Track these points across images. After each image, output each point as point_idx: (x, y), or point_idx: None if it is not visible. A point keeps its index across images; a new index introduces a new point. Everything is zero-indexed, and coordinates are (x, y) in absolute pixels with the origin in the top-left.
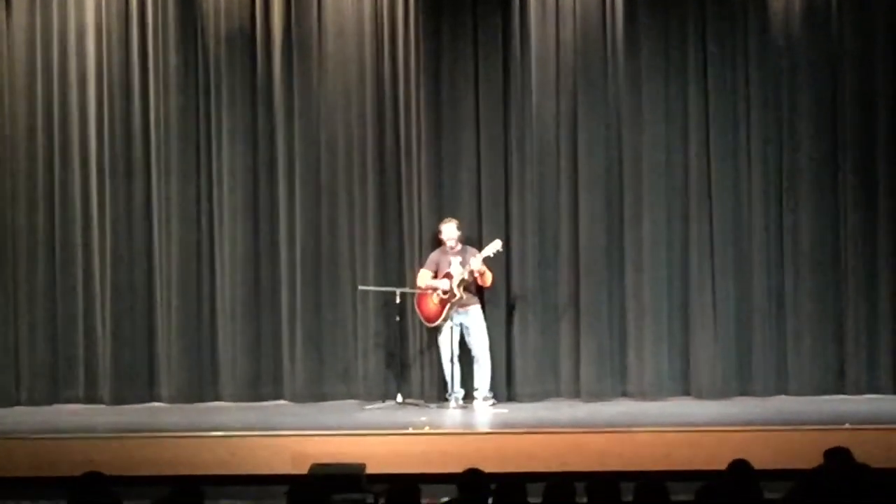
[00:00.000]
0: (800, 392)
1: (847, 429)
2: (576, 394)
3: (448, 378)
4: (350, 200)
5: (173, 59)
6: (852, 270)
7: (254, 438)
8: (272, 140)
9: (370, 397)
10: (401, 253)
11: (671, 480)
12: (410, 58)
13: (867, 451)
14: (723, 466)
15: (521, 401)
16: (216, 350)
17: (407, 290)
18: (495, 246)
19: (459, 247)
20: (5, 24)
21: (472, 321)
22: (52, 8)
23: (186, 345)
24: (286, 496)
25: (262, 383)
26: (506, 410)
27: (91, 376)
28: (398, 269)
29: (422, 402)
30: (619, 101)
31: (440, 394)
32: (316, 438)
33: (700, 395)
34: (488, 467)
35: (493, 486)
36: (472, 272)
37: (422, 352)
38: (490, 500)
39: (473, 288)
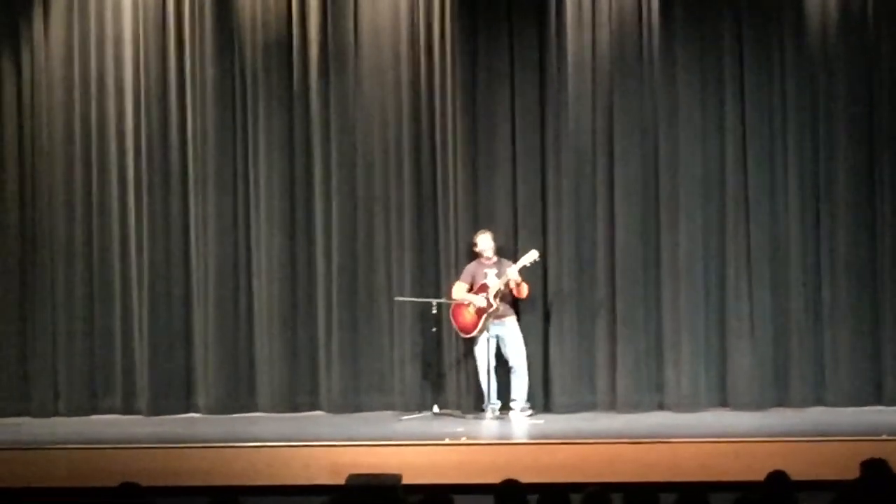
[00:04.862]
0: (837, 403)
1: (884, 440)
2: (612, 405)
3: (484, 389)
4: (386, 211)
5: (210, 69)
6: (890, 280)
7: (290, 449)
8: (309, 151)
9: (406, 408)
10: (437, 263)
11: (708, 491)
12: (446, 67)
13: None
14: (760, 477)
15: (557, 412)
16: (253, 361)
17: (443, 300)
18: (532, 256)
19: (495, 258)
20: (43, 36)
21: (509, 332)
22: (90, 19)
23: (223, 356)
24: None
25: (299, 394)
26: (542, 421)
27: (129, 387)
28: (434, 279)
29: (458, 412)
30: (656, 110)
31: (476, 404)
32: (352, 449)
33: (737, 407)
34: (525, 478)
35: (534, 496)
36: (508, 283)
37: (458, 362)
38: None
39: (509, 299)
